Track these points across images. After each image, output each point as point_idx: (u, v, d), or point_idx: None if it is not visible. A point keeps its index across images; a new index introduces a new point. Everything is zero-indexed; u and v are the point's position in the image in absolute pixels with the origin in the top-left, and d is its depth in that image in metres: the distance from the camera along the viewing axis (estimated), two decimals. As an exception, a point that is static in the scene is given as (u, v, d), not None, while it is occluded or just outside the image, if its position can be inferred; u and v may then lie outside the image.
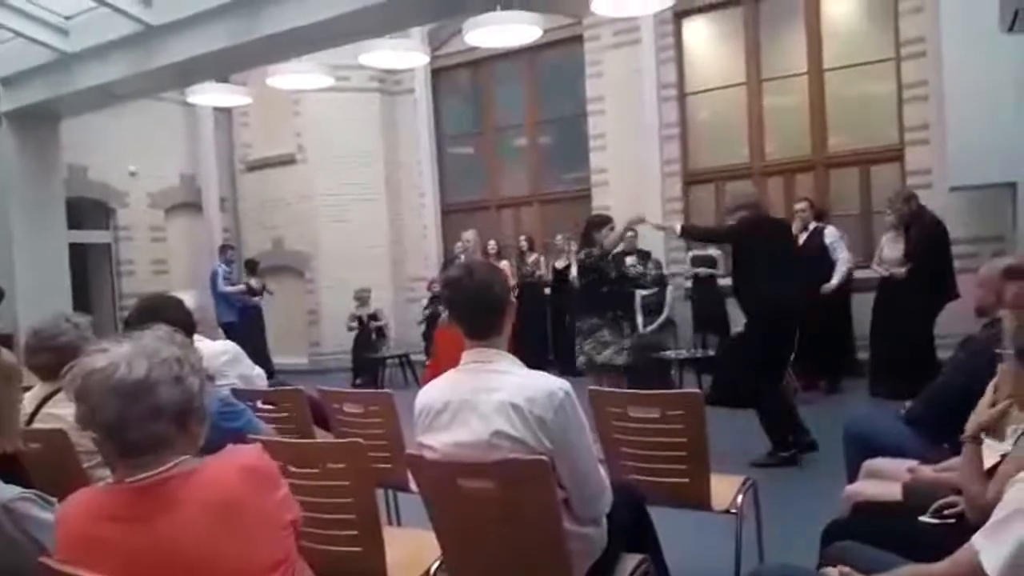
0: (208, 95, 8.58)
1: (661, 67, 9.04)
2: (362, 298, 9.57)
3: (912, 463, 2.64)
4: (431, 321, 9.01)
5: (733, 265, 5.42)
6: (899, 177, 8.08)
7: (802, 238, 7.11)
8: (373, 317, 9.55)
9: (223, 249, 10.14)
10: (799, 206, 7.32)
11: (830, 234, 7.13)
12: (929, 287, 6.30)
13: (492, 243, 9.52)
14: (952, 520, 2.15)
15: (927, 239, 6.40)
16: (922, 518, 2.21)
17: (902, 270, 6.47)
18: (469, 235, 7.55)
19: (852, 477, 2.96)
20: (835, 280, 6.93)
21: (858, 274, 7.44)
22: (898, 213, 6.57)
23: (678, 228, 5.69)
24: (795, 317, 5.01)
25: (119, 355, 1.41)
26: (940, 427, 2.90)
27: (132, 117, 9.76)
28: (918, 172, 7.79)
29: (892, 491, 2.51)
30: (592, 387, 2.92)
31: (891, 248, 6.69)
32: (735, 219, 5.18)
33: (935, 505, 2.22)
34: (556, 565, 2.03)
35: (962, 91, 6.68)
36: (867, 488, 2.69)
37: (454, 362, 2.19)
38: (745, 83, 8.90)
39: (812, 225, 7.18)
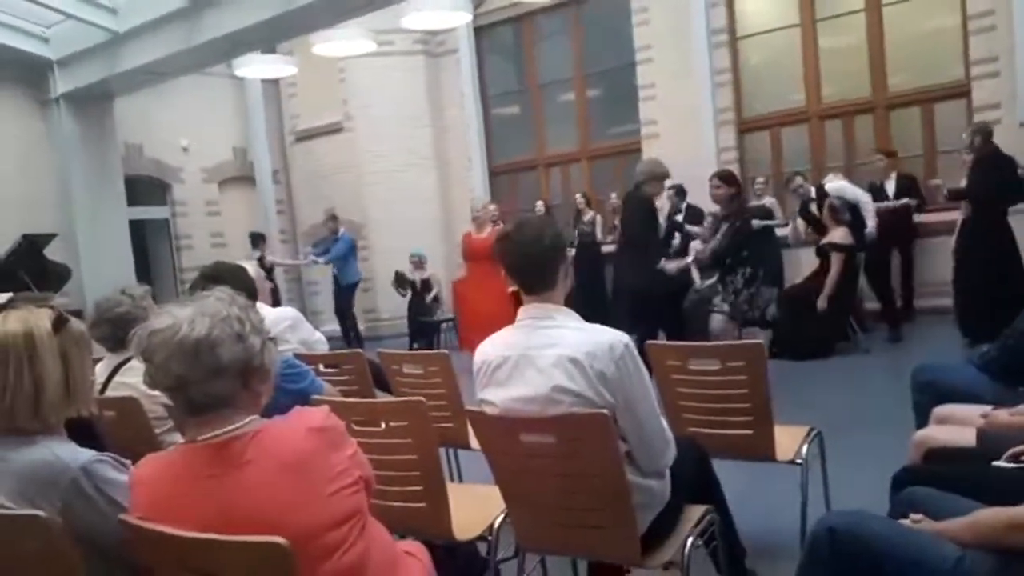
0: (255, 67, 8.66)
1: (711, 11, 8.74)
2: (415, 262, 9.61)
3: (986, 408, 2.55)
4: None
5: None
6: (965, 114, 7.74)
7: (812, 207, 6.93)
8: (425, 284, 9.57)
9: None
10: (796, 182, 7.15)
11: (831, 188, 6.91)
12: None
13: (540, 204, 9.44)
14: (1030, 464, 2.07)
15: (988, 171, 6.07)
16: (997, 463, 2.14)
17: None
18: (476, 203, 7.63)
19: (921, 424, 2.88)
20: (870, 222, 6.73)
21: (918, 218, 7.20)
22: (974, 148, 6.23)
23: None
24: None
25: (181, 315, 1.44)
26: (1018, 371, 2.80)
27: (182, 93, 9.89)
28: (986, 108, 7.44)
29: (965, 436, 2.43)
30: (650, 341, 2.89)
31: None
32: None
33: (1012, 451, 2.14)
34: (620, 517, 2.03)
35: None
36: (938, 434, 2.61)
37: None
38: (799, 24, 8.58)
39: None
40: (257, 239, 10.07)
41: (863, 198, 6.87)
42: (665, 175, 5.81)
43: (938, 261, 6.95)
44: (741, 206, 6.04)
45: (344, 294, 9.73)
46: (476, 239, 7.48)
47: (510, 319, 2.20)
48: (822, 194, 6.89)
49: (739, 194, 6.01)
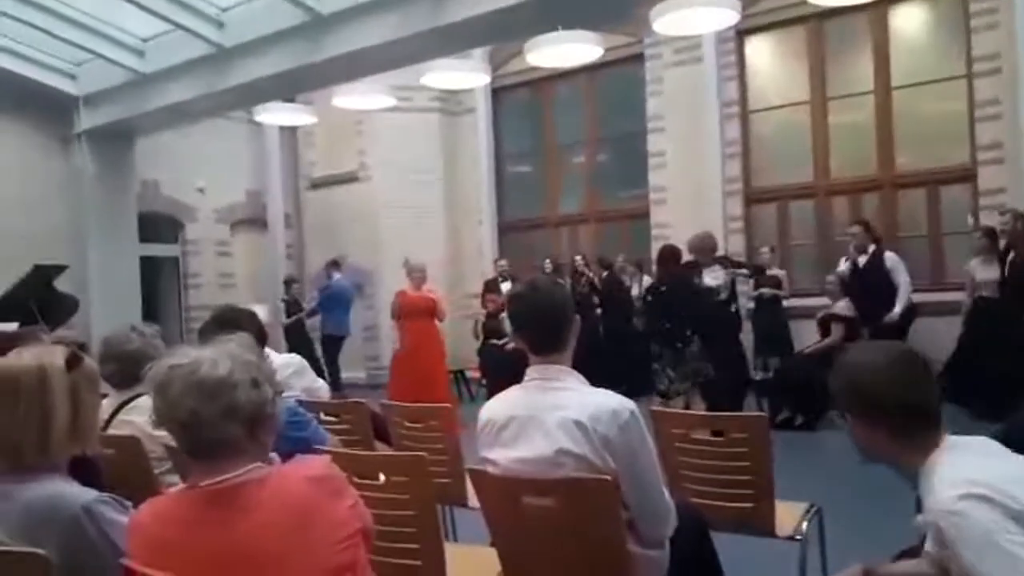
0: (275, 114, 8.82)
1: (723, 85, 8.95)
2: None
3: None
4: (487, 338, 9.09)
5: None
6: (970, 197, 7.85)
7: (861, 261, 6.95)
8: None
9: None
10: (852, 229, 7.12)
11: (890, 258, 6.91)
12: None
13: (547, 261, 9.48)
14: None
15: None
16: None
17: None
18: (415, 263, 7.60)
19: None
20: (898, 307, 6.71)
21: (920, 298, 7.22)
22: (1012, 230, 6.28)
23: None
24: None
25: (203, 354, 1.47)
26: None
27: (201, 135, 10.09)
28: (991, 192, 7.54)
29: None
30: (654, 407, 2.88)
31: (984, 270, 6.47)
32: None
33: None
34: (619, 587, 2.00)
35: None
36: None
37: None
38: (809, 101, 8.76)
39: (871, 248, 6.98)
40: (288, 283, 10.21)
41: (903, 280, 6.83)
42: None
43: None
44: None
45: (326, 344, 9.70)
46: (411, 296, 7.44)
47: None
48: (877, 261, 6.89)
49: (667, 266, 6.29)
